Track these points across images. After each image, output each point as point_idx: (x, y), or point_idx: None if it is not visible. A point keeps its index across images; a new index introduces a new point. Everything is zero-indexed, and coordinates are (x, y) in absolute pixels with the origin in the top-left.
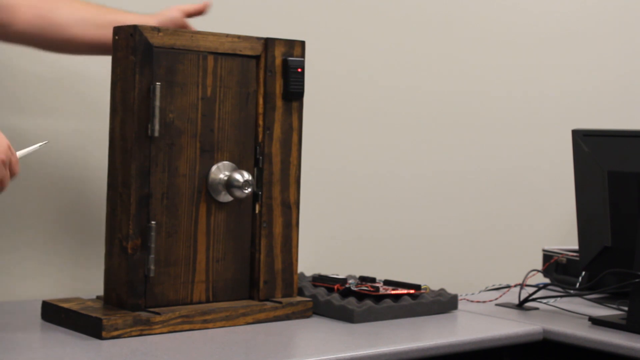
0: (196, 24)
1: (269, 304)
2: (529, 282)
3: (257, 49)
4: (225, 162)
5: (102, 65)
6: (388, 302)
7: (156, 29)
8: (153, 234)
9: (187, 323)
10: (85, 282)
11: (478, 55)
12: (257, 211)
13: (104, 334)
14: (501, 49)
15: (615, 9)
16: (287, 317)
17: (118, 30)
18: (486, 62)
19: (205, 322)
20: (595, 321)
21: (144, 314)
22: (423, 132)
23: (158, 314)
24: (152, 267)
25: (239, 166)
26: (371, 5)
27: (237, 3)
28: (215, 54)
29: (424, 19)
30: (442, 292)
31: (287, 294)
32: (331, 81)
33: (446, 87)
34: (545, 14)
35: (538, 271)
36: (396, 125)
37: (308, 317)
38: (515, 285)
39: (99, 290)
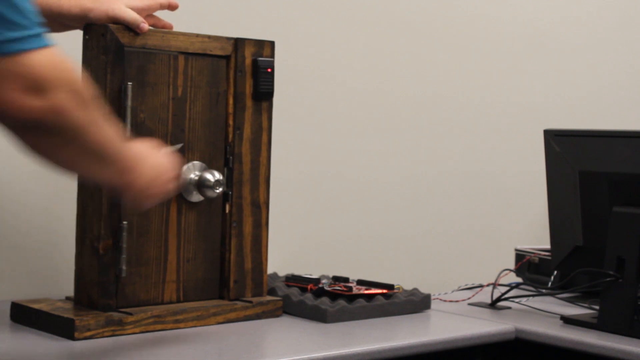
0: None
1: (239, 304)
2: (501, 281)
3: (227, 49)
4: (196, 162)
5: None
6: (361, 301)
7: (127, 29)
8: (125, 234)
9: (159, 323)
10: (54, 283)
11: (450, 57)
12: (227, 211)
13: (76, 334)
14: (473, 52)
15: (591, 16)
16: (258, 317)
17: (88, 29)
18: (458, 65)
19: (177, 322)
20: (567, 320)
21: (115, 315)
22: (394, 133)
23: (130, 314)
24: (124, 267)
25: (210, 166)
26: (341, 5)
27: (207, 3)
28: (186, 53)
29: (398, 20)
30: (415, 291)
31: (257, 293)
32: (300, 81)
33: (418, 89)
34: (517, 22)
35: (510, 270)
36: (367, 126)
37: (278, 316)
38: (487, 285)
39: (68, 291)
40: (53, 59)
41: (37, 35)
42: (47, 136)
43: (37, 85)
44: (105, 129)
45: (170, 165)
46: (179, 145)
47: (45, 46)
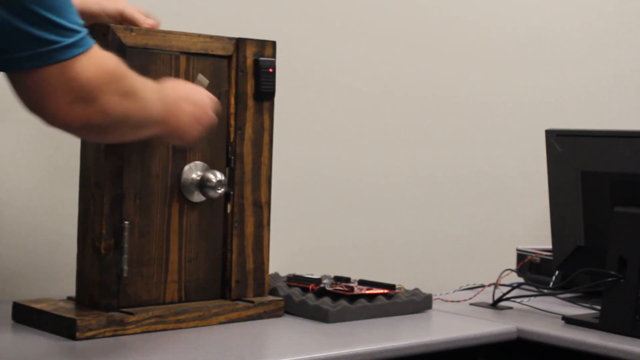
0: (168, 24)
1: (241, 304)
2: (503, 281)
3: (229, 49)
4: (198, 162)
5: None
6: (363, 302)
7: (129, 29)
8: (126, 234)
9: (161, 323)
10: (56, 283)
11: (452, 58)
12: (228, 211)
13: (77, 334)
14: (475, 53)
15: (593, 16)
16: (259, 317)
17: (90, 29)
18: (460, 66)
19: (179, 322)
20: (569, 320)
21: (117, 315)
22: (396, 133)
23: (132, 314)
24: (125, 267)
25: (211, 166)
26: (343, 5)
27: (209, 3)
28: (188, 54)
29: (400, 20)
30: (416, 291)
31: (259, 293)
32: (302, 81)
33: (420, 89)
34: (519, 22)
35: (512, 270)
36: (368, 125)
37: (279, 316)
38: (489, 285)
39: (69, 290)
40: (96, 62)
41: (80, 41)
42: (97, 131)
43: (84, 95)
44: (145, 98)
45: (204, 94)
46: (205, 82)
47: (88, 49)
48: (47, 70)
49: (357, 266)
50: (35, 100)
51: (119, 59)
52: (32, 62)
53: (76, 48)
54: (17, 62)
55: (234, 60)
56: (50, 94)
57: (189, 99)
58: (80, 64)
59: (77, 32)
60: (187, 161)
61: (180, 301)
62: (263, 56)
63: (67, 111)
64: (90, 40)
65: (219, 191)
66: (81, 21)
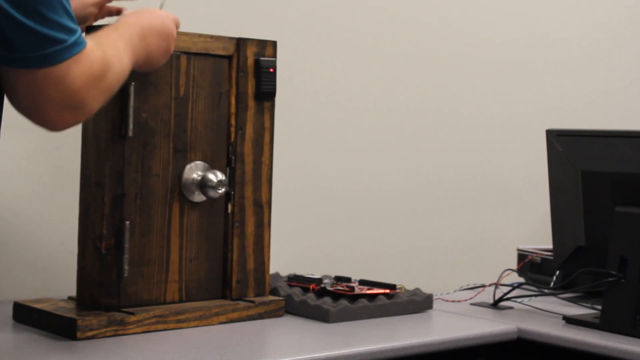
0: None
1: (241, 304)
2: (503, 281)
3: (230, 49)
4: (198, 162)
5: None
6: (363, 301)
7: None
8: (127, 234)
9: (162, 323)
10: (56, 283)
11: (453, 58)
12: (229, 211)
13: (78, 334)
14: (476, 53)
15: (593, 16)
16: (260, 317)
17: (91, 29)
18: (461, 66)
19: (179, 322)
20: (569, 320)
21: (118, 314)
22: (397, 132)
23: (132, 314)
24: (126, 267)
25: (212, 166)
26: (344, 5)
27: (210, 3)
28: (188, 53)
29: (402, 21)
30: (417, 291)
31: (259, 293)
32: (303, 81)
33: (422, 89)
34: (520, 24)
35: (513, 270)
36: (369, 125)
37: (280, 316)
38: (490, 285)
39: (70, 290)
40: (85, 68)
41: (79, 39)
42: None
43: (73, 103)
44: (122, 71)
45: (167, 21)
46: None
47: (77, 53)
48: (49, 70)
49: (358, 266)
50: (28, 103)
51: (100, 49)
52: (41, 62)
53: (76, 46)
54: (25, 61)
55: (234, 60)
56: (45, 99)
57: (156, 32)
58: (73, 70)
59: (76, 30)
60: (187, 161)
61: (180, 301)
62: (264, 56)
63: (55, 117)
64: (78, 46)
65: (220, 191)
66: (72, 27)
